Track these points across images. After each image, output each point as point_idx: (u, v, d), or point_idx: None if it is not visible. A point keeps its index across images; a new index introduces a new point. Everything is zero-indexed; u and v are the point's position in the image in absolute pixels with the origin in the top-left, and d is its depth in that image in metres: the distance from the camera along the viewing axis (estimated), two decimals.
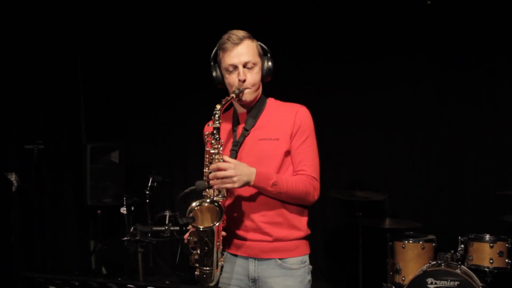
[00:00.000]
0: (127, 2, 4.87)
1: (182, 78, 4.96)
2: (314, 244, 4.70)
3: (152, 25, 4.94)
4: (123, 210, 3.94)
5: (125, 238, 3.83)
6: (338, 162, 4.57)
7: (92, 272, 4.77)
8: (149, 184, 3.99)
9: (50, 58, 4.60)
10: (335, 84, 4.64)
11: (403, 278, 3.71)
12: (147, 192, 3.99)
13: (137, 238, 3.79)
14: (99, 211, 4.53)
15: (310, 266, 2.08)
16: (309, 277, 2.05)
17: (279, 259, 1.99)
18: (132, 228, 3.89)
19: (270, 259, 1.99)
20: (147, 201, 3.97)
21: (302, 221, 2.05)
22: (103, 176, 4.51)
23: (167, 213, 3.86)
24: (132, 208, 4.02)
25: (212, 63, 2.08)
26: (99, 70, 5.03)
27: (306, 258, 2.06)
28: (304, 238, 2.06)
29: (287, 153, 2.01)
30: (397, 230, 3.91)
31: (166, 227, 3.82)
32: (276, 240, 1.99)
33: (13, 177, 3.92)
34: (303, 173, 1.99)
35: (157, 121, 5.08)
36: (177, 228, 3.83)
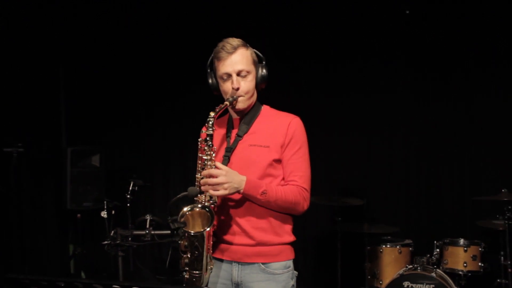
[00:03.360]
0: (109, 5, 4.85)
1: (164, 83, 4.97)
2: (294, 248, 4.78)
3: (134, 28, 4.92)
4: (104, 214, 3.92)
5: (106, 242, 3.83)
6: (317, 167, 4.56)
7: (71, 276, 4.73)
8: (130, 188, 3.98)
9: (31, 60, 4.56)
10: (312, 88, 4.67)
11: (381, 282, 3.78)
12: (128, 196, 3.98)
13: (118, 242, 3.82)
14: (79, 215, 4.50)
15: (295, 272, 2.11)
16: (292, 282, 2.08)
17: (262, 263, 2.02)
18: (113, 232, 3.91)
19: (253, 263, 2.02)
20: (128, 205, 3.96)
21: (286, 228, 2.08)
22: (83, 180, 4.49)
23: (148, 217, 3.89)
24: (113, 212, 4.00)
25: (208, 70, 2.14)
26: (80, 73, 5.00)
27: (290, 263, 2.08)
28: (288, 243, 2.09)
29: (276, 161, 2.04)
30: (375, 235, 3.99)
31: (147, 231, 3.85)
32: (259, 244, 2.02)
33: None
34: (294, 183, 2.03)
35: (138, 124, 5.07)
36: (158, 232, 3.85)
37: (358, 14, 4.54)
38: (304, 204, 2.05)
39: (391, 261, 3.79)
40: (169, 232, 3.79)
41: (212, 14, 4.73)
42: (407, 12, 4.45)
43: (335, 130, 4.61)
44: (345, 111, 4.59)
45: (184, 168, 4.81)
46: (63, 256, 4.74)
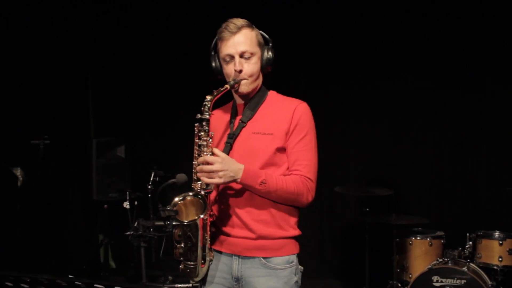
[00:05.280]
0: (135, 1, 4.86)
1: (188, 72, 4.93)
2: (322, 240, 4.69)
3: (157, 20, 4.91)
4: (126, 205, 3.94)
5: (129, 233, 3.85)
6: (345, 157, 4.49)
7: (101, 266, 4.80)
8: (151, 179, 3.97)
9: (58, 53, 4.61)
10: (343, 77, 4.54)
11: (410, 276, 3.62)
12: (149, 187, 3.97)
13: (140, 232, 3.84)
14: (105, 206, 4.54)
15: (300, 267, 1.99)
16: (296, 278, 1.96)
17: (263, 258, 1.91)
18: (135, 223, 3.92)
19: (254, 257, 1.92)
20: (149, 196, 3.95)
21: (290, 221, 1.96)
22: (109, 171, 4.52)
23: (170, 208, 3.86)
24: (136, 203, 4.01)
25: (212, 53, 2.02)
26: (106, 65, 5.04)
27: (294, 258, 1.96)
28: (291, 237, 1.97)
29: (281, 149, 1.93)
30: (404, 226, 3.82)
31: (168, 222, 3.83)
32: (260, 237, 1.91)
33: (18, 172, 3.96)
34: (297, 173, 1.91)
35: (163, 115, 5.05)
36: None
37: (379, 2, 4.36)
38: (308, 195, 1.92)
39: (421, 254, 3.62)
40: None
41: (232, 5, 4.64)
42: None
43: (364, 118, 4.47)
44: (373, 99, 4.43)
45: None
46: (91, 246, 4.81)
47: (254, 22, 2.01)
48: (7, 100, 4.21)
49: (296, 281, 1.96)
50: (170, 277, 4.01)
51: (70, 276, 1.42)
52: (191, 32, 4.85)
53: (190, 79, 4.92)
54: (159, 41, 4.95)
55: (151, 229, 3.78)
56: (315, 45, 4.60)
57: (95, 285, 1.33)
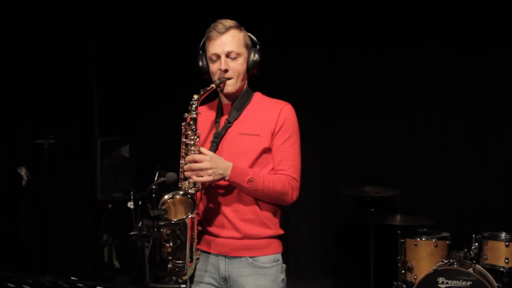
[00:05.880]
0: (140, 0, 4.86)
1: (193, 72, 4.89)
2: (327, 240, 4.67)
3: (163, 20, 4.91)
4: (130, 205, 3.93)
5: (133, 233, 3.84)
6: (350, 156, 4.47)
7: (105, 265, 4.80)
8: (156, 179, 3.96)
9: (63, 53, 4.61)
10: (347, 76, 4.53)
11: (415, 277, 3.59)
12: (153, 187, 3.96)
13: (144, 232, 3.83)
14: (109, 205, 4.54)
15: (284, 265, 2.03)
16: (282, 276, 2.00)
17: (250, 257, 1.94)
18: (140, 223, 3.91)
19: (240, 257, 1.94)
20: (153, 195, 3.94)
21: (273, 220, 1.99)
22: (113, 171, 4.51)
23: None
24: (140, 203, 4.00)
25: (200, 52, 2.06)
26: (111, 64, 5.03)
27: (279, 256, 2.00)
28: (276, 237, 2.00)
29: (267, 150, 1.96)
30: (409, 227, 3.79)
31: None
32: (246, 237, 1.94)
33: (23, 172, 3.96)
34: (283, 172, 1.95)
35: (168, 115, 5.03)
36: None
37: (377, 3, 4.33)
38: (293, 194, 1.95)
39: (426, 255, 3.60)
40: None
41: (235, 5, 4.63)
42: None
43: (370, 119, 4.46)
44: (379, 99, 4.43)
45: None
46: (96, 246, 4.81)
47: (250, 24, 2.03)
48: (12, 100, 4.21)
49: (283, 279, 2.00)
50: (174, 277, 4.00)
51: (72, 278, 1.41)
52: (197, 31, 4.83)
53: (195, 79, 4.89)
54: (165, 40, 4.94)
55: (155, 229, 3.77)
56: (316, 46, 4.58)
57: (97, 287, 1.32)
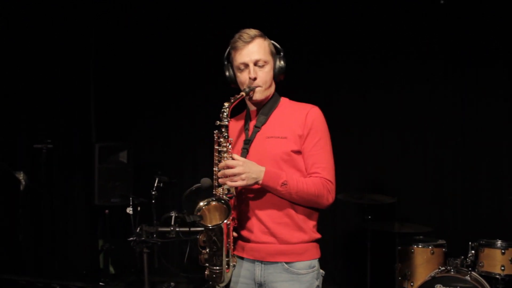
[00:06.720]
0: (137, 2, 4.87)
1: (191, 77, 4.94)
2: (323, 247, 4.68)
3: (161, 24, 4.93)
4: (129, 210, 3.93)
5: (131, 239, 3.83)
6: (347, 164, 4.49)
7: (100, 271, 4.78)
8: (155, 185, 3.97)
9: (61, 58, 4.62)
10: (345, 84, 4.57)
11: (412, 284, 3.63)
12: (153, 193, 3.98)
13: (143, 238, 3.82)
14: (106, 211, 4.54)
15: (322, 271, 2.02)
16: (317, 282, 1.99)
17: (286, 263, 1.94)
18: (138, 228, 3.91)
19: (276, 262, 1.94)
20: (153, 201, 3.95)
21: (309, 224, 1.99)
22: (111, 176, 4.52)
23: (173, 214, 3.87)
24: (139, 209, 4.01)
25: (225, 63, 2.08)
26: (109, 70, 5.04)
27: (315, 262, 1.99)
28: (313, 241, 1.99)
29: (295, 152, 1.96)
30: (406, 234, 3.84)
31: (172, 228, 3.82)
32: (282, 242, 1.93)
33: (21, 176, 3.95)
34: (317, 175, 1.94)
35: (166, 120, 5.07)
36: (184, 229, 3.82)
37: (390, 6, 4.38)
38: (329, 197, 1.95)
39: (423, 262, 3.63)
40: (195, 229, 3.75)
41: (236, 7, 4.67)
42: (442, 2, 4.25)
43: (367, 126, 4.50)
44: (378, 106, 4.47)
45: (211, 164, 4.76)
46: (92, 251, 4.79)
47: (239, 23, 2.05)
48: (10, 105, 4.21)
49: (318, 286, 1.99)
50: (172, 284, 4.00)
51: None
52: (196, 37, 4.87)
53: (194, 85, 4.94)
54: (163, 45, 4.98)
55: (154, 235, 3.77)
56: (319, 52, 4.62)
57: None
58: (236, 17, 4.59)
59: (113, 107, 5.04)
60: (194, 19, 4.87)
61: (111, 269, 4.90)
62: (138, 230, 3.87)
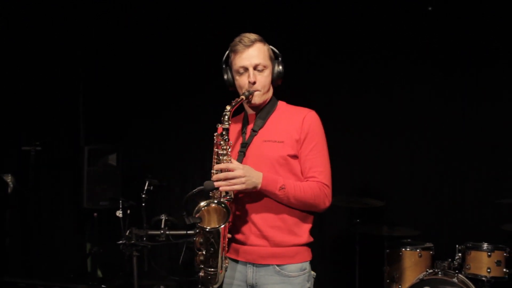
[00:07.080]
0: (127, 4, 4.86)
1: (181, 81, 4.94)
2: (312, 250, 4.68)
3: (151, 27, 4.92)
4: (119, 213, 3.91)
5: (121, 242, 3.82)
6: (336, 167, 4.50)
7: (88, 275, 4.75)
8: (145, 188, 3.96)
9: (50, 59, 4.59)
10: (331, 87, 4.57)
11: (400, 286, 3.68)
12: (143, 196, 3.96)
13: (132, 241, 3.81)
14: (95, 214, 4.51)
15: (313, 273, 2.05)
16: (308, 284, 2.02)
17: (277, 265, 1.97)
18: (128, 231, 3.89)
19: (268, 265, 1.97)
20: (143, 204, 3.94)
21: (303, 228, 2.01)
22: (100, 179, 4.49)
23: (163, 217, 3.86)
24: (128, 212, 3.99)
25: (224, 66, 2.10)
26: (98, 72, 5.02)
27: (306, 265, 2.02)
28: (304, 245, 2.02)
29: (292, 157, 1.99)
30: (394, 238, 3.88)
31: (162, 231, 3.82)
32: (274, 245, 1.96)
33: (9, 179, 3.92)
34: (314, 179, 1.98)
35: (156, 123, 5.06)
36: (174, 232, 3.81)
37: (380, 11, 4.43)
38: (326, 201, 1.99)
39: (411, 265, 3.68)
40: (184, 232, 3.74)
41: (229, 12, 4.68)
42: (430, 8, 4.32)
43: (356, 129, 4.51)
44: (366, 110, 4.49)
45: (201, 168, 4.77)
46: (80, 255, 4.76)
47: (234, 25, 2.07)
48: None
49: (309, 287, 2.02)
50: (162, 287, 3.99)
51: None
52: (186, 40, 4.87)
53: (185, 88, 4.94)
54: (153, 48, 4.96)
55: (144, 238, 3.76)
56: (305, 53, 4.61)
57: None
58: (236, 17, 4.59)
59: (103, 109, 5.01)
60: (186, 27, 4.87)
61: (99, 273, 4.86)
62: (127, 233, 3.86)
